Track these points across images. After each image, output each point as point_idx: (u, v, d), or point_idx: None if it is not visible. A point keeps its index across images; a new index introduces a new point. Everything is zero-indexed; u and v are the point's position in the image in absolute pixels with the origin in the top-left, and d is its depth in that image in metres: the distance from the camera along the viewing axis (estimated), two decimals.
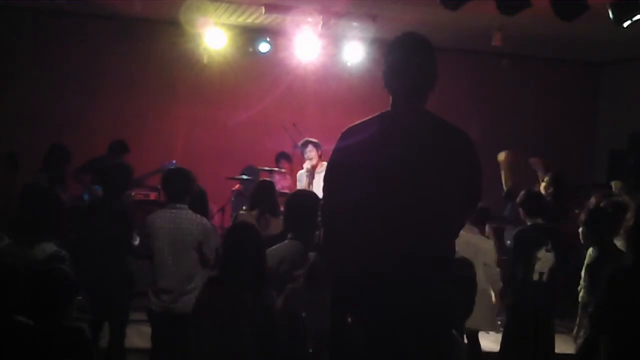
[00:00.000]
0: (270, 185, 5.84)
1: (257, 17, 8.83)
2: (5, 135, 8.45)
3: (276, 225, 5.16)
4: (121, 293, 5.24)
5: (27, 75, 8.88)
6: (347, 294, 2.85)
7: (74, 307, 3.46)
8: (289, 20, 8.68)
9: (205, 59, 9.10)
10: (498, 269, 5.84)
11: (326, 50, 9.23)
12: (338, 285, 2.92)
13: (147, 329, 5.91)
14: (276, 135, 8.91)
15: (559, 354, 5.74)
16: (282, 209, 5.00)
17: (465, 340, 4.86)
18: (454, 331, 3.22)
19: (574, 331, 4.95)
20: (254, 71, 9.68)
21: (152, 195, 8.38)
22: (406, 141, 2.85)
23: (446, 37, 8.31)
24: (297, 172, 7.96)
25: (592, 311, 4.00)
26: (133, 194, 7.92)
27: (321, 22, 8.44)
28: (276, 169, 8.51)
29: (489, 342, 6.88)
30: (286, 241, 4.22)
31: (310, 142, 7.65)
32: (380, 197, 2.82)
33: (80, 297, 3.53)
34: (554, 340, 5.48)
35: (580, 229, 4.89)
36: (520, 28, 8.11)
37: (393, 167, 2.81)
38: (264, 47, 9.25)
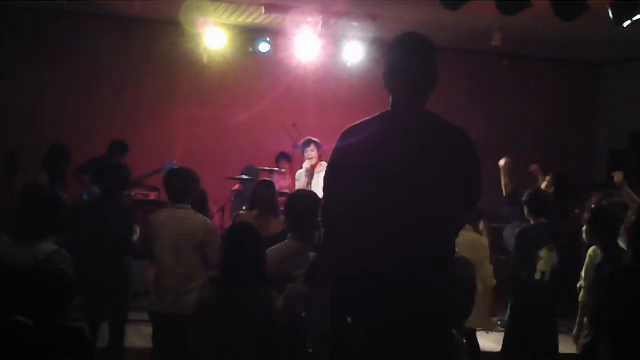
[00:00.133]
0: (270, 185, 5.84)
1: (257, 17, 8.83)
2: (5, 135, 8.45)
3: (276, 225, 5.16)
4: (120, 293, 5.24)
5: (27, 75, 8.88)
6: (347, 294, 2.85)
7: (74, 307, 3.46)
8: (289, 20, 8.68)
9: (205, 59, 9.10)
10: (491, 266, 5.84)
11: (326, 50, 9.23)
12: (338, 285, 2.91)
13: (147, 329, 5.91)
14: (276, 135, 8.91)
15: (559, 354, 5.73)
16: (282, 209, 5.00)
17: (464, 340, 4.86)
18: (454, 331, 3.22)
19: (574, 331, 4.95)
20: (254, 71, 9.68)
21: (152, 195, 8.39)
22: (406, 141, 2.85)
23: (446, 37, 8.30)
24: (297, 172, 7.95)
25: (592, 311, 4.01)
26: (133, 194, 7.93)
27: (321, 22, 8.44)
28: (276, 169, 8.51)
29: (489, 342, 6.88)
30: (286, 241, 4.22)
31: (313, 141, 7.64)
32: (380, 197, 2.82)
33: (80, 297, 3.53)
34: (557, 341, 5.46)
35: (584, 228, 4.87)
36: (520, 28, 8.11)
37: (393, 167, 2.81)
38: (264, 47, 9.26)
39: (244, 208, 6.49)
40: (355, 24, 8.66)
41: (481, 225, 6.41)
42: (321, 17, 8.38)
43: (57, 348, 3.23)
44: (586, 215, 4.87)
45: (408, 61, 2.91)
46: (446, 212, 2.86)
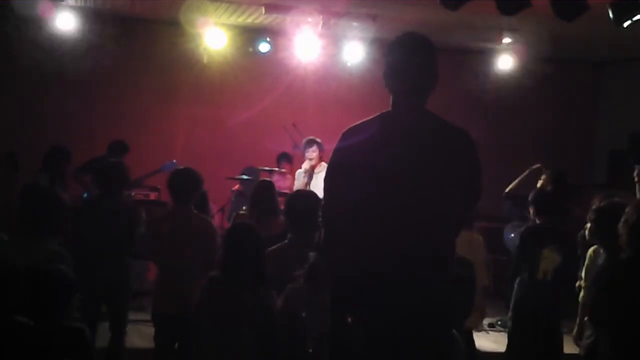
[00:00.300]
0: (270, 185, 5.84)
1: (257, 17, 8.83)
2: (5, 135, 8.44)
3: (276, 225, 5.16)
4: (120, 293, 5.23)
5: (27, 75, 8.88)
6: (347, 294, 2.86)
7: (74, 307, 3.46)
8: (289, 20, 8.68)
9: (205, 59, 9.10)
10: (485, 266, 5.84)
11: (326, 50, 9.22)
12: (338, 285, 2.92)
13: (146, 329, 5.92)
14: (276, 135, 8.90)
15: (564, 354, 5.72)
16: (282, 208, 5.00)
17: None
18: (454, 331, 3.22)
19: (574, 331, 4.94)
20: (254, 71, 9.67)
21: (152, 195, 8.38)
22: (406, 141, 2.85)
23: (446, 37, 8.30)
24: (296, 172, 7.95)
25: (592, 310, 4.00)
26: (133, 194, 7.93)
27: (321, 22, 8.44)
28: (276, 169, 8.51)
29: (489, 342, 6.89)
30: (286, 241, 4.22)
31: (316, 142, 7.60)
32: (381, 197, 2.82)
33: (79, 297, 3.53)
34: (562, 341, 5.45)
35: (588, 227, 4.85)
36: (520, 28, 8.11)
37: (393, 167, 2.81)
38: (264, 47, 9.25)
39: (244, 208, 6.49)
40: (355, 24, 8.66)
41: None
42: (321, 17, 8.37)
43: (57, 348, 3.23)
44: (591, 215, 4.84)
45: (408, 61, 2.91)
46: (446, 212, 2.87)
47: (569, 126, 10.83)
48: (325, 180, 3.00)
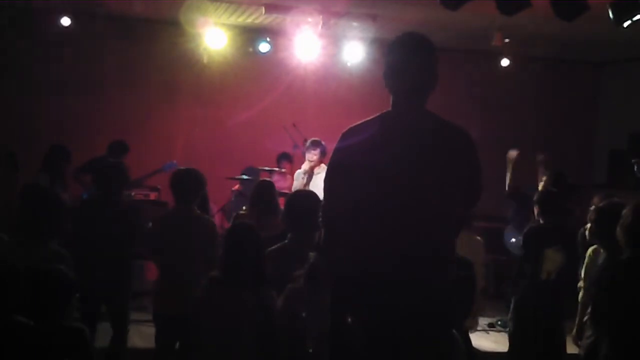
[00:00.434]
0: (270, 185, 5.84)
1: (257, 17, 8.83)
2: (5, 135, 8.44)
3: (276, 225, 5.16)
4: (120, 293, 5.23)
5: (27, 75, 8.88)
6: (347, 294, 2.85)
7: (74, 307, 3.46)
8: (289, 20, 8.68)
9: (205, 59, 9.10)
10: (483, 267, 5.84)
11: (326, 50, 9.22)
12: (338, 285, 2.92)
13: (146, 329, 5.92)
14: (276, 135, 8.90)
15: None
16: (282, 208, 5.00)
17: None
18: (454, 331, 3.22)
19: (573, 331, 4.94)
20: (254, 71, 9.67)
21: (152, 195, 8.38)
22: (406, 141, 2.85)
23: (446, 37, 8.30)
24: (295, 172, 7.94)
25: (592, 310, 4.00)
26: (133, 194, 7.93)
27: (321, 22, 8.43)
28: (276, 169, 8.51)
29: (489, 342, 6.89)
30: (286, 241, 4.22)
31: (320, 145, 7.53)
32: (381, 197, 2.82)
33: (79, 297, 3.53)
34: (564, 341, 5.44)
35: (589, 227, 4.85)
36: (520, 28, 8.10)
37: (393, 167, 2.81)
38: (264, 47, 9.25)
39: (244, 208, 6.49)
40: (355, 24, 8.66)
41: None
42: (321, 17, 8.37)
43: (57, 348, 3.23)
44: (590, 215, 4.84)
45: (408, 61, 2.91)
46: (446, 212, 2.87)
47: (569, 126, 10.83)
48: (325, 180, 3.00)
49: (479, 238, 5.90)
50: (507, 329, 5.72)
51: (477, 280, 5.59)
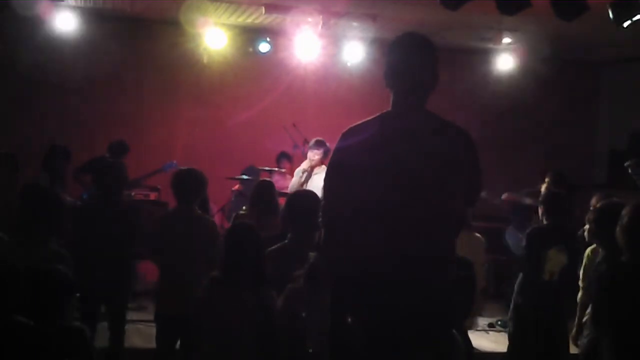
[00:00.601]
0: (270, 185, 5.84)
1: (257, 17, 8.83)
2: (5, 135, 8.44)
3: (276, 225, 5.16)
4: (120, 293, 5.23)
5: (27, 75, 8.87)
6: (347, 294, 2.85)
7: (74, 307, 3.46)
8: (289, 20, 8.68)
9: (205, 59, 9.10)
10: (484, 266, 5.83)
11: (326, 50, 9.23)
12: (338, 285, 2.92)
13: (146, 329, 5.92)
14: (276, 135, 8.90)
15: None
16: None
17: None
18: (454, 331, 3.22)
19: (573, 331, 4.94)
20: (254, 71, 9.68)
21: (152, 195, 8.38)
22: (406, 141, 2.85)
23: (446, 37, 8.31)
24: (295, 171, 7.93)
25: (592, 311, 4.00)
26: (133, 194, 7.92)
27: (321, 22, 8.43)
28: (276, 169, 8.51)
29: (489, 342, 6.89)
30: (286, 241, 4.22)
31: (324, 145, 7.48)
32: (381, 197, 2.82)
33: (79, 297, 3.53)
34: (567, 341, 5.43)
35: (588, 227, 4.85)
36: (520, 28, 8.11)
37: (393, 167, 2.81)
38: (264, 47, 9.25)
39: (244, 208, 6.49)
40: (355, 24, 8.66)
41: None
42: (321, 17, 8.37)
43: (57, 348, 3.23)
44: (590, 215, 4.84)
45: (408, 61, 2.92)
46: (446, 212, 2.87)
47: (569, 126, 10.83)
48: (325, 180, 3.00)
49: (479, 235, 5.90)
50: (507, 329, 5.72)
51: (477, 280, 5.59)
